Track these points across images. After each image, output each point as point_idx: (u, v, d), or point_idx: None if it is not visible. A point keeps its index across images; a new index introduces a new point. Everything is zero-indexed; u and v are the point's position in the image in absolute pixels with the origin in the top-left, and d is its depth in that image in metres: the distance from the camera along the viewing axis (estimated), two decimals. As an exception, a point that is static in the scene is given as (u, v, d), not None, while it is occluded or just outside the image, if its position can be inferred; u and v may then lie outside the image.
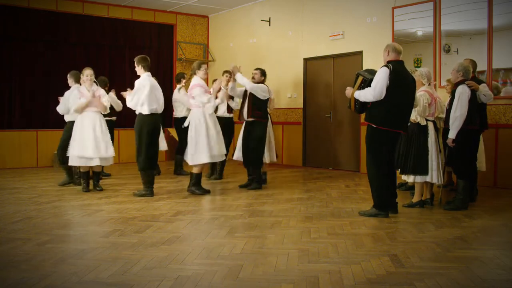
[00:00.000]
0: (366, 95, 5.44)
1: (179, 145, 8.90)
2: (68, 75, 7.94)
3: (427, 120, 6.08)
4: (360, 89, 5.55)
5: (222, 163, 8.55)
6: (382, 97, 5.35)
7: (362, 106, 5.60)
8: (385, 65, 5.48)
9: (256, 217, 5.51)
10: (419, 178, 6.05)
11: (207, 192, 7.06)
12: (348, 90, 5.74)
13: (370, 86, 5.47)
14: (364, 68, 9.20)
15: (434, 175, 6.03)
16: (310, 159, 10.82)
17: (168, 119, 11.56)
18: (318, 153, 10.65)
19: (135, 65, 6.87)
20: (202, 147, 6.78)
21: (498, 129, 7.73)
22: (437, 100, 6.32)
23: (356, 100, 5.61)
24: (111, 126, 8.96)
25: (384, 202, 5.53)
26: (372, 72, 5.65)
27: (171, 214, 5.70)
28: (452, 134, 5.88)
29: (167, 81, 12.56)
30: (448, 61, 8.22)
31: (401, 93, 5.43)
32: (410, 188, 7.14)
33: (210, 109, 6.86)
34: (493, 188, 7.74)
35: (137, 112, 6.78)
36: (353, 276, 3.51)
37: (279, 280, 3.42)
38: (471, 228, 5.03)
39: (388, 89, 5.34)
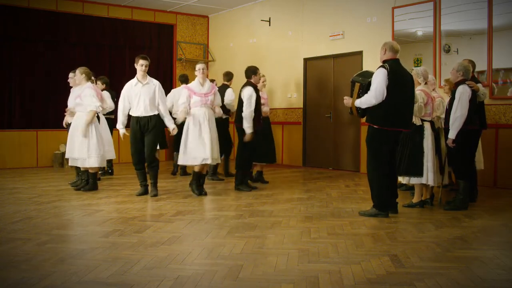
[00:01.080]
0: (367, 100, 5.41)
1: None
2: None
3: (423, 120, 6.05)
4: (359, 96, 5.53)
5: (214, 165, 8.52)
6: (384, 98, 5.35)
7: (364, 110, 5.58)
8: (382, 65, 5.46)
9: (256, 217, 5.51)
10: (414, 180, 6.03)
11: (201, 194, 6.95)
12: (347, 100, 5.68)
13: (368, 90, 5.45)
14: (363, 69, 9.24)
15: (430, 177, 5.97)
16: (310, 159, 10.82)
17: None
18: (318, 153, 10.65)
19: (148, 64, 6.72)
20: (184, 149, 6.77)
21: (498, 129, 7.73)
22: (436, 100, 6.31)
23: (358, 106, 5.59)
24: (110, 125, 9.01)
25: (384, 202, 5.53)
26: (366, 75, 5.60)
27: (171, 214, 5.70)
28: (452, 135, 5.87)
29: (167, 81, 12.57)
30: (448, 61, 8.22)
31: (400, 91, 5.42)
32: (411, 188, 7.13)
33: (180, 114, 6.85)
34: (493, 188, 7.74)
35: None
36: (353, 276, 3.51)
37: (279, 280, 3.42)
38: (471, 228, 5.03)
39: (387, 88, 5.34)
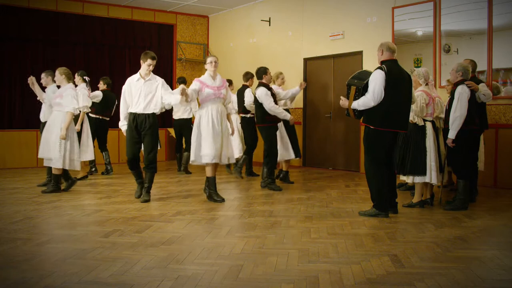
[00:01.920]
0: (365, 102, 5.40)
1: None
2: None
3: (425, 120, 6.07)
4: (356, 99, 5.53)
5: (240, 162, 8.70)
6: (382, 99, 5.34)
7: (361, 111, 5.58)
8: (379, 67, 5.46)
9: (256, 217, 5.51)
10: (417, 179, 6.04)
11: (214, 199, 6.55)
12: (344, 101, 5.66)
13: (364, 91, 5.44)
14: (363, 69, 9.23)
15: (432, 176, 6.01)
16: (310, 159, 10.82)
17: (168, 119, 11.59)
18: (318, 153, 10.65)
19: (155, 64, 6.47)
20: (197, 146, 6.42)
21: (498, 129, 7.73)
22: (436, 100, 6.32)
23: (355, 108, 5.58)
24: (102, 126, 9.04)
25: (384, 202, 5.53)
26: (362, 77, 5.58)
27: (171, 214, 5.70)
28: (451, 135, 5.88)
29: (167, 82, 12.45)
30: (448, 61, 8.22)
31: (397, 92, 5.42)
32: (410, 188, 7.15)
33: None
34: (493, 188, 7.74)
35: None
36: (353, 276, 3.51)
37: (279, 280, 3.42)
38: (471, 228, 5.03)
39: (385, 90, 5.33)
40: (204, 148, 6.35)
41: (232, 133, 6.77)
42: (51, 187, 7.19)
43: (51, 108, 7.43)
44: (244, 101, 8.53)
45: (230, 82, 9.45)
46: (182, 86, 6.12)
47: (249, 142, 8.74)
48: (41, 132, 7.72)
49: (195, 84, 6.45)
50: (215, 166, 6.53)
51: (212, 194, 6.52)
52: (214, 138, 6.33)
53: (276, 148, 7.63)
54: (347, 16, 9.88)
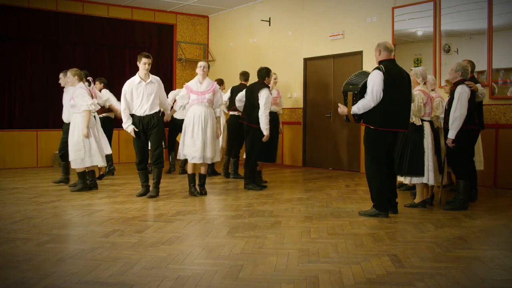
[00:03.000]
0: (365, 104, 5.38)
1: None
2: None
3: (423, 120, 6.05)
4: (354, 103, 5.50)
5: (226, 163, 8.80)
6: (381, 99, 5.34)
7: (360, 115, 5.56)
8: (377, 67, 5.45)
9: (256, 217, 5.51)
10: (415, 180, 6.03)
11: (193, 194, 6.93)
12: (342, 108, 5.64)
13: (362, 95, 5.43)
14: (363, 69, 9.23)
15: (430, 176, 5.97)
16: (310, 159, 10.82)
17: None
18: (318, 153, 10.65)
19: (151, 62, 6.62)
20: (181, 144, 6.90)
21: (498, 129, 7.73)
22: (434, 100, 6.30)
23: (355, 113, 5.56)
24: (109, 125, 9.02)
25: (384, 202, 5.53)
26: (356, 81, 5.57)
27: (171, 214, 5.70)
28: (451, 135, 5.87)
29: (168, 82, 12.56)
30: (448, 61, 8.22)
31: (396, 92, 5.41)
32: (410, 188, 7.14)
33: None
34: (493, 188, 7.74)
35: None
36: (353, 276, 3.51)
37: (279, 280, 3.42)
38: (471, 228, 5.03)
39: (384, 90, 5.33)
40: (184, 148, 6.83)
41: (218, 136, 7.06)
42: (79, 185, 7.28)
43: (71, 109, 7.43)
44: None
45: (221, 81, 9.45)
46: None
47: (240, 142, 8.64)
48: (63, 133, 7.73)
49: (183, 91, 7.00)
50: (194, 165, 6.92)
51: (190, 188, 6.96)
52: (194, 140, 6.73)
53: (259, 149, 7.52)
54: (347, 16, 9.88)
